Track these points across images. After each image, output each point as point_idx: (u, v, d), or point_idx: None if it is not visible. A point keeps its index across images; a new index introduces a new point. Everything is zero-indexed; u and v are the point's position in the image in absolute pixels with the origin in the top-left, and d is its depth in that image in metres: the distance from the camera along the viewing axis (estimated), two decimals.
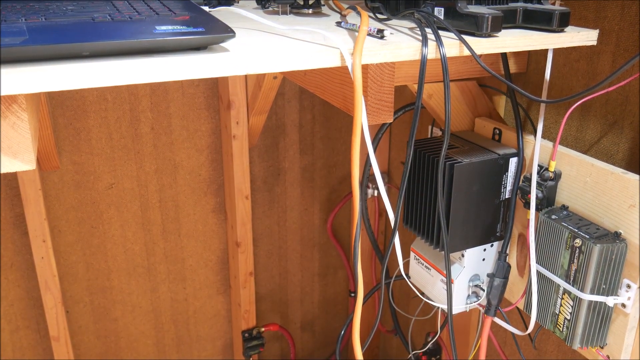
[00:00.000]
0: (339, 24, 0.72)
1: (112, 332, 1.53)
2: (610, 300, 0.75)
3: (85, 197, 1.37)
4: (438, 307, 1.04)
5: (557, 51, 0.91)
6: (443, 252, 0.92)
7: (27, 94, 0.52)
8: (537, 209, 0.83)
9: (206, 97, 1.39)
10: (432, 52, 0.63)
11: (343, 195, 1.66)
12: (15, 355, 1.42)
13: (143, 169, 1.40)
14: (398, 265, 1.11)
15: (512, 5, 0.72)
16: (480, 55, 0.65)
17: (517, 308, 0.94)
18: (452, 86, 0.96)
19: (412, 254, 1.03)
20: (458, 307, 0.96)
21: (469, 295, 0.96)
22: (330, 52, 0.59)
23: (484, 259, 0.94)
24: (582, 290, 0.76)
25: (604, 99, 0.87)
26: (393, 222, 0.71)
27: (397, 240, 0.74)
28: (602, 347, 0.80)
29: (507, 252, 0.92)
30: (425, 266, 0.99)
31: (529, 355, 1.12)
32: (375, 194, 1.56)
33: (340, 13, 0.82)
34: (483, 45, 0.66)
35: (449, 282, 0.89)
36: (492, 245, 0.94)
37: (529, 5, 0.72)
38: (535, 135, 0.84)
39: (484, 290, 0.95)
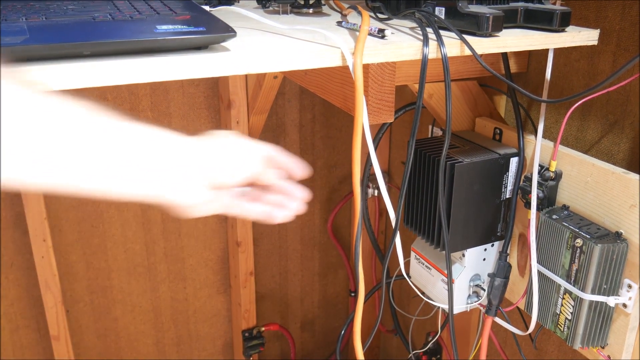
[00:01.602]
0: (339, 23, 0.72)
1: (112, 331, 1.53)
2: (611, 300, 0.75)
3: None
4: (438, 307, 1.04)
5: (557, 51, 0.91)
6: (444, 252, 0.92)
7: None
8: (538, 209, 0.83)
9: (206, 97, 1.39)
10: (433, 51, 0.63)
11: (343, 195, 1.66)
12: (15, 355, 1.42)
13: None
14: (398, 265, 1.11)
15: (513, 4, 0.72)
16: (481, 55, 0.65)
17: (518, 308, 0.94)
18: (453, 86, 0.96)
19: (412, 254, 1.03)
20: (459, 306, 0.96)
21: (469, 295, 0.96)
22: (331, 52, 0.59)
23: (484, 259, 0.94)
24: (583, 290, 0.76)
25: (604, 99, 0.86)
26: (394, 221, 0.71)
27: (398, 240, 0.74)
28: (603, 347, 0.80)
29: (508, 252, 0.92)
30: (426, 266, 0.99)
31: (530, 355, 1.11)
32: (376, 193, 1.56)
33: (340, 13, 0.82)
34: (484, 45, 0.66)
35: (450, 282, 0.89)
36: (492, 245, 0.94)
37: (530, 5, 0.72)
38: (535, 135, 0.84)
39: (484, 290, 0.95)
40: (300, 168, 0.60)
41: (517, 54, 0.97)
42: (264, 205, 0.61)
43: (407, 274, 1.06)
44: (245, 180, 0.56)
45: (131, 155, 0.48)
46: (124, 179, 0.48)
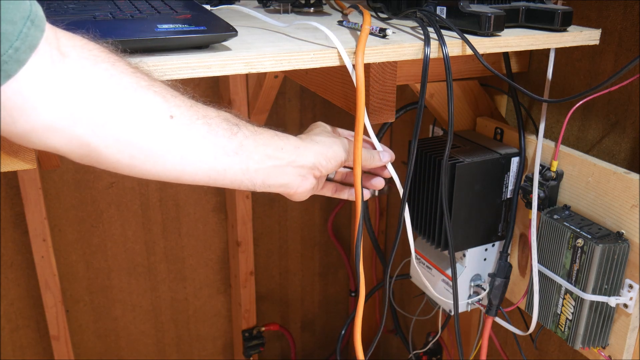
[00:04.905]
0: (340, 22, 0.72)
1: (112, 331, 1.53)
2: (612, 301, 0.75)
3: (85, 196, 1.37)
4: (438, 307, 1.04)
5: (559, 50, 0.91)
6: (445, 252, 0.91)
7: None
8: (539, 209, 0.83)
9: (207, 96, 1.39)
10: (434, 51, 0.63)
11: None
12: (15, 355, 1.42)
13: None
14: (399, 265, 1.10)
15: (514, 4, 0.72)
16: (483, 55, 0.65)
17: (519, 308, 0.94)
18: (454, 85, 0.96)
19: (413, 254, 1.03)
20: (459, 306, 0.96)
21: (470, 295, 0.96)
22: (332, 52, 0.59)
23: (485, 259, 0.94)
24: (584, 290, 0.76)
25: (606, 99, 0.86)
26: (402, 193, 0.71)
27: (407, 220, 0.74)
28: (603, 348, 0.80)
29: (509, 252, 0.92)
30: (427, 266, 0.99)
31: (530, 355, 1.11)
32: (376, 193, 1.55)
33: (341, 12, 0.82)
34: (485, 45, 0.66)
35: (455, 283, 0.89)
36: (493, 245, 0.94)
37: (532, 5, 0.72)
38: (537, 135, 0.84)
39: (485, 290, 0.95)
40: (384, 155, 0.68)
41: (518, 54, 0.97)
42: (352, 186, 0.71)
43: (408, 274, 1.06)
44: (335, 169, 0.65)
45: (259, 152, 0.56)
46: (252, 171, 0.56)
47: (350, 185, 0.72)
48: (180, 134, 0.50)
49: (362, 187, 0.71)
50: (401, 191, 0.71)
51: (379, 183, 0.71)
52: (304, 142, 0.61)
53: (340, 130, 0.70)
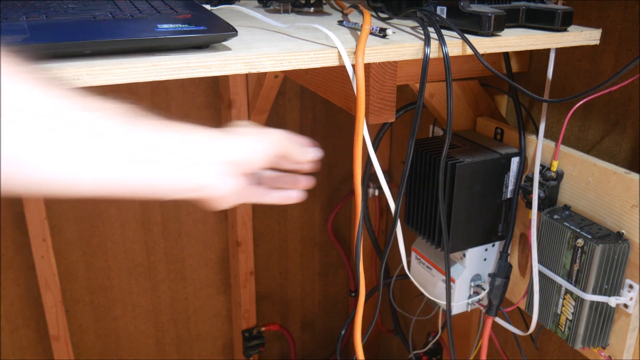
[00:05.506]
0: (340, 22, 0.72)
1: (112, 331, 1.53)
2: (612, 301, 0.75)
3: None
4: (439, 307, 1.04)
5: (559, 50, 0.91)
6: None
7: None
8: (539, 209, 0.83)
9: (207, 96, 1.39)
10: (434, 51, 0.63)
11: (344, 195, 1.66)
12: (15, 355, 1.42)
13: None
14: (399, 265, 1.10)
15: (514, 4, 0.72)
16: (483, 55, 0.65)
17: (519, 308, 0.94)
18: (454, 85, 0.96)
19: (413, 254, 1.03)
20: (459, 307, 0.96)
21: (470, 295, 0.96)
22: (332, 52, 0.59)
23: (485, 259, 0.94)
24: (584, 290, 0.76)
25: (606, 99, 0.86)
26: (394, 213, 0.71)
27: (400, 239, 0.74)
28: (604, 348, 0.80)
29: (509, 252, 0.92)
30: (427, 266, 0.99)
31: (531, 355, 1.11)
32: (376, 193, 1.56)
33: (342, 12, 0.82)
34: (486, 45, 0.66)
35: (448, 281, 0.89)
36: (493, 245, 0.94)
37: (532, 5, 0.72)
38: (537, 135, 0.84)
39: (485, 290, 0.95)
40: (312, 150, 0.63)
41: (519, 54, 0.97)
42: (280, 188, 0.64)
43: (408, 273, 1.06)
44: (264, 166, 0.57)
45: (160, 151, 0.46)
46: (153, 174, 0.46)
47: (280, 188, 0.65)
48: (60, 131, 0.39)
49: (288, 189, 0.65)
50: (392, 206, 0.69)
51: (308, 182, 0.65)
52: (223, 135, 0.52)
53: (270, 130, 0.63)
